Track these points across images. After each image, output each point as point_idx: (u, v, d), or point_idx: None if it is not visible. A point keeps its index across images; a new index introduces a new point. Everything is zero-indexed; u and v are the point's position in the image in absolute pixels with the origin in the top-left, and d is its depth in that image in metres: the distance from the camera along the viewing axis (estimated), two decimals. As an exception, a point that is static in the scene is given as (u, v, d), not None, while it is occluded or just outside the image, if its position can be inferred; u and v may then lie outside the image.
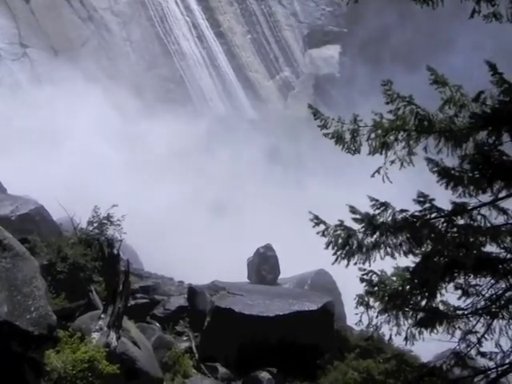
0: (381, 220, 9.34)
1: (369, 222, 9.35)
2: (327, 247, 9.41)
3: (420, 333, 9.70)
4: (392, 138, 9.31)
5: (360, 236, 9.38)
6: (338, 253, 9.35)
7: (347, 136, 9.41)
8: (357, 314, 9.74)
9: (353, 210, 9.44)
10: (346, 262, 9.36)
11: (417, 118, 9.21)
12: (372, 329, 9.86)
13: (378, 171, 9.33)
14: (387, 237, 9.34)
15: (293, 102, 51.48)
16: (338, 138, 9.43)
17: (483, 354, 9.88)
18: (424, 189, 9.46)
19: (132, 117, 45.26)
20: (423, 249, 9.44)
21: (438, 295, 9.57)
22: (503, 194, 9.22)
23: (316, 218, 9.45)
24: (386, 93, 9.28)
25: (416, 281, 9.49)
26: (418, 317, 9.69)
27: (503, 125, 8.97)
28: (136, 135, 44.09)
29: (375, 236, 9.35)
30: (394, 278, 9.64)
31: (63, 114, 42.17)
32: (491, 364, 9.83)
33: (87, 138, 41.07)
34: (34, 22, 46.57)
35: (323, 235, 9.41)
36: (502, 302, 9.49)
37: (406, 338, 9.74)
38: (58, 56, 45.65)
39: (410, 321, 9.64)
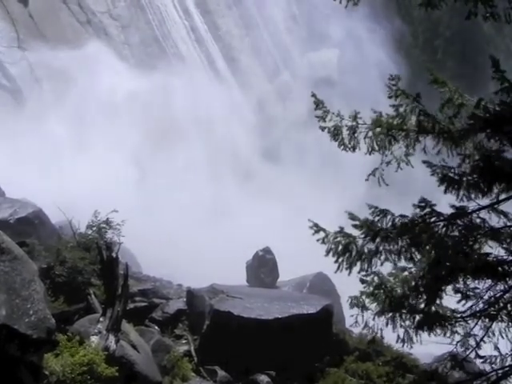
0: (380, 226, 9.31)
1: (368, 228, 9.32)
2: (327, 254, 9.39)
3: (418, 335, 9.67)
4: (390, 137, 9.28)
5: (360, 242, 9.35)
6: (340, 260, 9.32)
7: (345, 132, 9.39)
8: (352, 315, 9.73)
9: (352, 216, 9.40)
10: (347, 269, 9.33)
11: (418, 118, 9.17)
12: (368, 331, 9.84)
13: (373, 173, 9.32)
14: (388, 243, 9.31)
15: (291, 104, 51.49)
16: (335, 134, 9.40)
17: (482, 357, 9.85)
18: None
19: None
20: (424, 253, 9.40)
21: (438, 299, 9.53)
22: (503, 196, 9.19)
23: (315, 225, 9.43)
24: (391, 87, 9.22)
25: (416, 285, 9.45)
26: (416, 319, 9.66)
27: (504, 126, 8.92)
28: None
29: (375, 242, 9.32)
30: (392, 280, 9.62)
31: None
32: (490, 368, 9.80)
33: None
34: (32, 25, 46.58)
35: (323, 242, 9.39)
36: (501, 305, 9.47)
37: (403, 341, 9.72)
38: (56, 60, 45.64)
39: (407, 322, 9.61)
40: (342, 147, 9.46)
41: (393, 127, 9.23)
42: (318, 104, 9.49)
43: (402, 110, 9.25)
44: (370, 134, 9.30)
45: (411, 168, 9.42)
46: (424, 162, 9.33)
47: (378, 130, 9.26)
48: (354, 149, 9.44)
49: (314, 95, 9.58)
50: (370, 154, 9.36)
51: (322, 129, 9.45)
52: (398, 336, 9.66)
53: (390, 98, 9.26)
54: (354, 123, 9.37)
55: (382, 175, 9.30)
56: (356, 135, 9.37)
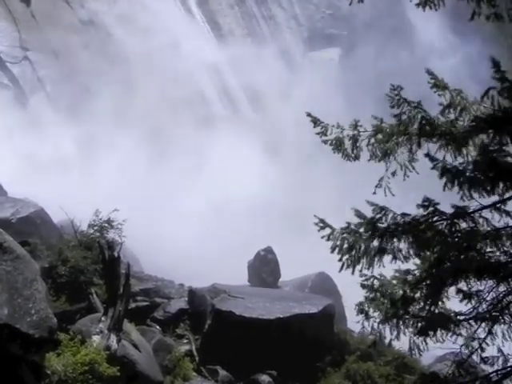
0: (385, 224, 9.24)
1: (373, 226, 9.23)
2: (332, 251, 9.23)
3: (423, 341, 9.58)
4: (393, 143, 9.22)
5: (365, 240, 9.25)
6: (344, 258, 9.19)
7: (347, 142, 9.31)
8: (358, 321, 9.63)
9: (358, 213, 9.30)
10: (351, 268, 9.21)
11: (421, 122, 9.12)
12: (374, 336, 9.77)
13: (379, 184, 9.21)
14: (392, 241, 9.24)
15: (293, 104, 51.45)
16: (338, 145, 9.32)
17: (485, 360, 9.80)
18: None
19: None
20: (428, 253, 9.35)
21: (441, 301, 9.47)
22: (507, 195, 9.15)
23: (321, 221, 9.27)
24: (392, 97, 9.15)
25: (419, 288, 9.40)
26: (419, 324, 9.58)
27: (507, 126, 8.88)
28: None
29: (380, 240, 9.24)
30: (395, 282, 9.55)
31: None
32: (492, 369, 9.75)
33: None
34: (34, 25, 46.57)
35: (328, 239, 9.24)
36: (504, 305, 9.43)
37: (410, 349, 9.61)
38: (58, 59, 45.66)
39: (410, 329, 9.52)
40: (345, 158, 9.37)
41: (395, 132, 9.17)
42: (316, 121, 9.40)
43: (404, 117, 9.19)
44: (373, 140, 9.22)
45: None
46: (426, 155, 9.22)
47: (380, 136, 9.20)
48: (356, 158, 9.36)
49: (309, 114, 9.48)
50: (374, 162, 9.26)
51: (325, 142, 9.36)
52: (401, 340, 9.58)
53: (392, 107, 9.18)
54: (356, 132, 9.30)
55: (389, 184, 9.20)
56: (358, 144, 9.28)
